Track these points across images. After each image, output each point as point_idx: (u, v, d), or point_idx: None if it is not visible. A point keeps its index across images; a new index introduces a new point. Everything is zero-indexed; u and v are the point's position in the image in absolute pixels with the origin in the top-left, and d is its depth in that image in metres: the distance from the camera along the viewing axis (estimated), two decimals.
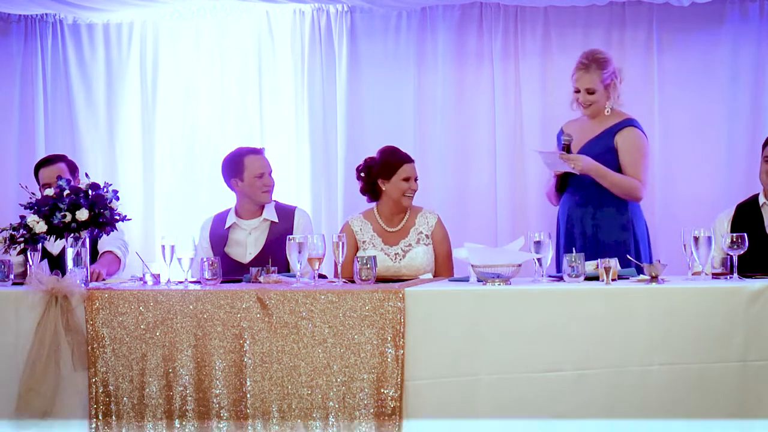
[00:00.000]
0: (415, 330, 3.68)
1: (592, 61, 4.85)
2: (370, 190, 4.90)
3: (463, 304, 3.67)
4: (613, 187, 4.78)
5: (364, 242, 4.84)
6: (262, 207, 4.97)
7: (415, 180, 4.87)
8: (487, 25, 5.73)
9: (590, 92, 4.85)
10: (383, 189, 4.85)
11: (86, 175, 4.22)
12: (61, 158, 5.30)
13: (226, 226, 4.98)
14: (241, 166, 4.91)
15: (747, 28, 5.52)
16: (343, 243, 4.07)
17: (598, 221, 4.84)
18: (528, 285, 3.78)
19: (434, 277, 4.72)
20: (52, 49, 6.03)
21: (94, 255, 4.91)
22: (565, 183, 4.88)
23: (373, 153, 4.94)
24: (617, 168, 4.80)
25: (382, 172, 4.83)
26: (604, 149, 4.80)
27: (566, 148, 4.78)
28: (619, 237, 4.82)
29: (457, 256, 4.15)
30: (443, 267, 4.86)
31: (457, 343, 3.65)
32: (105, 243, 4.97)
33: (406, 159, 4.87)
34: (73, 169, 5.25)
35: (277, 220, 4.95)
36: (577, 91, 4.89)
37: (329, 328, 3.73)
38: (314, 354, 3.73)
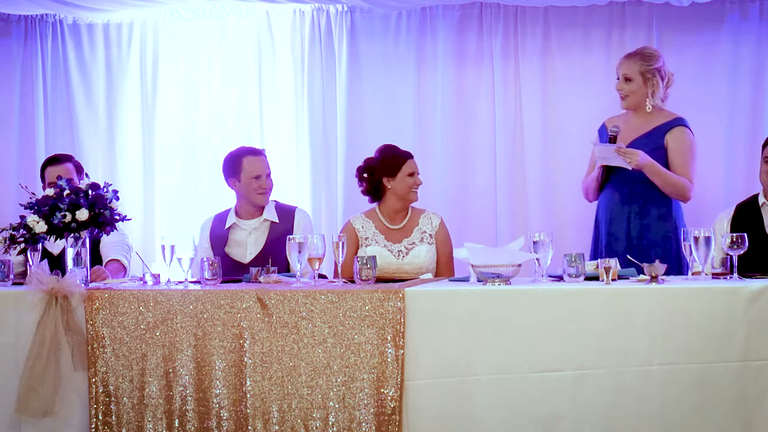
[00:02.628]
0: (415, 330, 3.68)
1: (637, 53, 4.91)
2: (374, 191, 4.90)
3: (463, 304, 3.67)
4: (665, 186, 4.77)
5: (366, 239, 4.85)
6: (262, 207, 4.97)
7: (418, 174, 4.89)
8: (487, 25, 5.72)
9: (627, 79, 4.86)
10: (388, 187, 4.86)
11: (86, 175, 4.22)
12: (68, 158, 5.29)
13: (227, 226, 4.98)
14: (238, 167, 4.91)
15: (747, 28, 5.52)
16: (343, 243, 4.07)
17: (644, 219, 4.82)
18: (528, 285, 3.78)
19: (435, 277, 4.72)
20: (52, 49, 6.03)
21: (96, 256, 4.90)
22: (606, 177, 4.87)
23: (373, 153, 4.95)
24: (665, 167, 4.79)
25: (386, 170, 4.85)
26: (653, 147, 4.79)
27: (612, 140, 4.78)
28: (665, 235, 4.81)
29: (457, 256, 4.16)
30: (445, 267, 4.87)
31: (457, 343, 3.65)
32: (110, 249, 4.96)
33: (408, 155, 4.91)
34: (79, 170, 5.25)
35: (277, 221, 4.95)
36: (618, 79, 4.90)
37: (329, 328, 3.73)
38: (314, 354, 3.73)
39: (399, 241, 4.84)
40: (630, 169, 4.72)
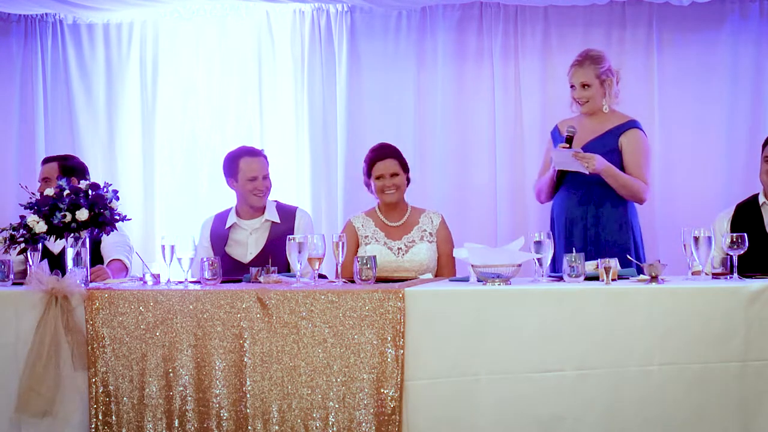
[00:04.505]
0: (415, 330, 3.67)
1: (586, 57, 4.87)
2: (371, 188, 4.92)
3: (463, 304, 3.67)
4: (622, 188, 4.77)
5: (366, 237, 4.85)
6: (262, 208, 4.97)
7: (392, 175, 4.82)
8: (487, 25, 5.73)
9: (585, 85, 4.84)
10: (372, 185, 4.88)
11: (87, 175, 4.22)
12: (58, 158, 5.25)
13: (227, 225, 4.97)
14: (235, 168, 4.90)
15: (747, 28, 5.53)
16: (343, 243, 4.07)
17: (599, 220, 4.82)
18: (528, 285, 3.77)
19: (436, 276, 4.72)
20: (52, 49, 6.04)
21: (96, 256, 4.89)
22: (560, 179, 4.88)
23: None
24: (620, 168, 4.78)
25: (367, 171, 4.86)
26: (607, 150, 4.79)
27: (568, 140, 4.77)
28: (619, 236, 4.81)
29: (458, 256, 4.15)
30: (446, 266, 4.87)
31: (457, 343, 3.64)
32: (111, 250, 4.95)
33: (380, 156, 4.85)
34: (66, 171, 5.06)
35: (278, 221, 4.95)
36: (573, 87, 4.89)
37: (329, 328, 3.73)
38: (314, 354, 3.73)
39: (399, 239, 4.84)
40: (587, 173, 4.72)
